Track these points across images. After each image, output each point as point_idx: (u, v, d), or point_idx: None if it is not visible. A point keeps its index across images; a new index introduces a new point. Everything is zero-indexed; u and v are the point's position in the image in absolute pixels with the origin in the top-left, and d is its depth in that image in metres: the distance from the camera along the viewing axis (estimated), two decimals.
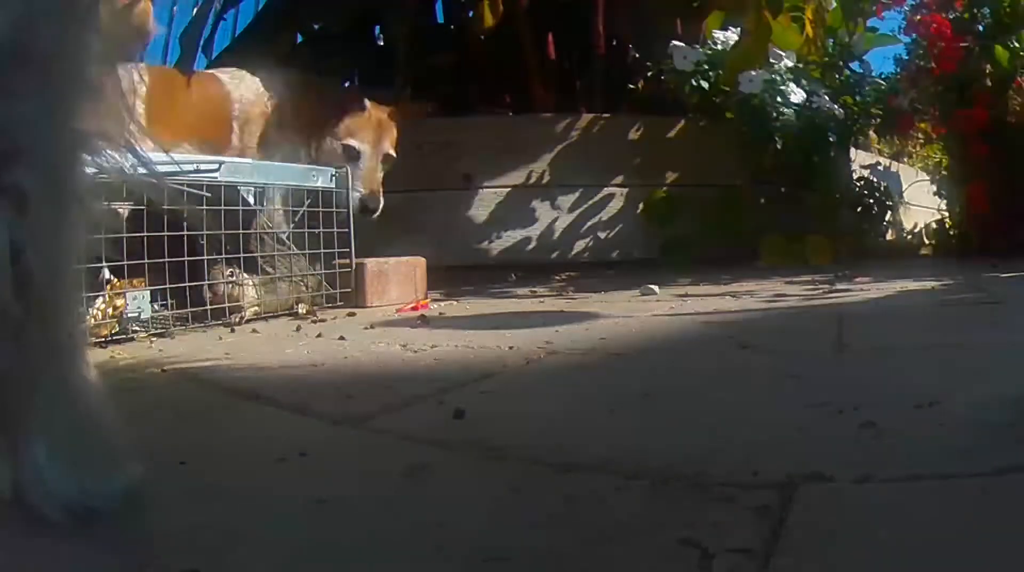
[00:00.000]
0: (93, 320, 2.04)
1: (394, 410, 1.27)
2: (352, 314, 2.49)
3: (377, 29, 5.18)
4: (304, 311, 2.50)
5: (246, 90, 2.87)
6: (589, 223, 4.13)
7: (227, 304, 2.37)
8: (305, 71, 4.74)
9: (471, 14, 4.48)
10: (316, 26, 5.17)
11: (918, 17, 3.58)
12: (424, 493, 0.89)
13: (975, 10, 3.47)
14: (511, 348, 1.74)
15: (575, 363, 1.64)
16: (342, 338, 1.98)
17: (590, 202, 4.12)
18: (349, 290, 2.69)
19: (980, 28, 3.48)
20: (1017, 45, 3.22)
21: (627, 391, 1.34)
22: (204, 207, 2.30)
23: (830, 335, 1.87)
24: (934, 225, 4.76)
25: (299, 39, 5.15)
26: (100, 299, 2.07)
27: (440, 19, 5.40)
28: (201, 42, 5.09)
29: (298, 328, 2.20)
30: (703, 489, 0.82)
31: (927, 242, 4.74)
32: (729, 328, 2.00)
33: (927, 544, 0.68)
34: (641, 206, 4.11)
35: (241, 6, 5.50)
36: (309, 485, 0.92)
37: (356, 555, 0.72)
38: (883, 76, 4.48)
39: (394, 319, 2.29)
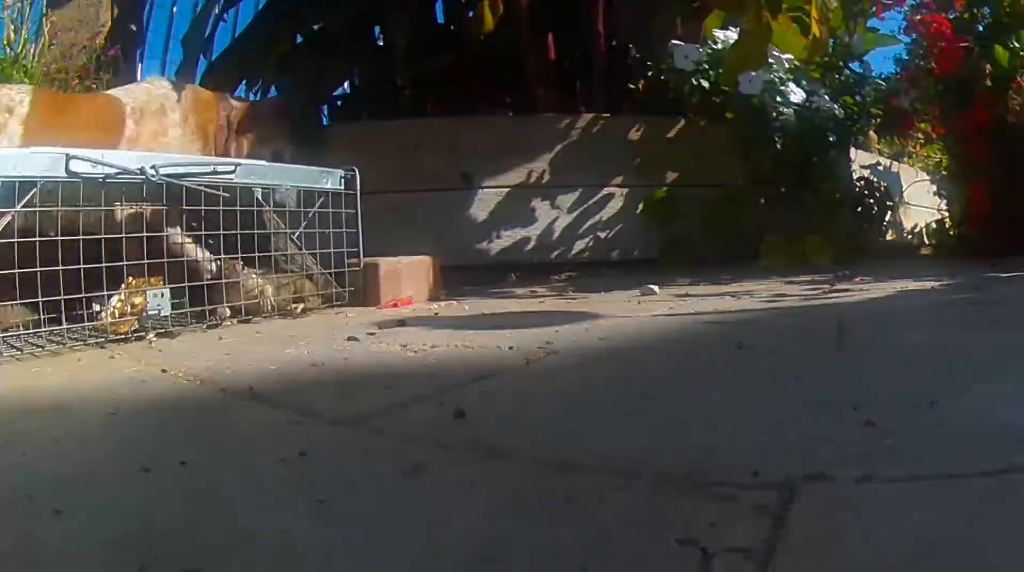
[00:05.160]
0: (111, 317, 2.10)
1: (394, 410, 1.27)
2: (347, 314, 2.51)
3: (377, 29, 5.19)
4: (300, 310, 2.52)
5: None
6: (589, 223, 4.13)
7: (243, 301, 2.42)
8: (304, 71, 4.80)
9: (471, 15, 4.48)
10: (316, 26, 5.17)
11: (918, 17, 3.58)
12: (424, 493, 0.89)
13: (975, 10, 3.47)
14: (511, 348, 1.74)
15: (575, 363, 1.64)
16: (346, 338, 1.97)
17: (590, 202, 4.13)
18: (354, 289, 2.71)
19: (980, 28, 3.48)
20: (1017, 45, 3.21)
21: (627, 391, 1.34)
22: (221, 208, 2.36)
23: (830, 335, 1.87)
24: (934, 225, 4.76)
25: (299, 39, 5.16)
26: (116, 297, 2.13)
27: (440, 19, 5.41)
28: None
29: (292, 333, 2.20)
30: (703, 489, 0.83)
31: (927, 242, 4.75)
32: (729, 328, 2.00)
33: (927, 544, 0.68)
34: (641, 206, 4.12)
35: (240, 6, 5.54)
36: (309, 485, 0.92)
37: (357, 554, 0.73)
38: (883, 76, 4.49)
39: (395, 319, 2.28)
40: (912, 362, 1.50)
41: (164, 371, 1.63)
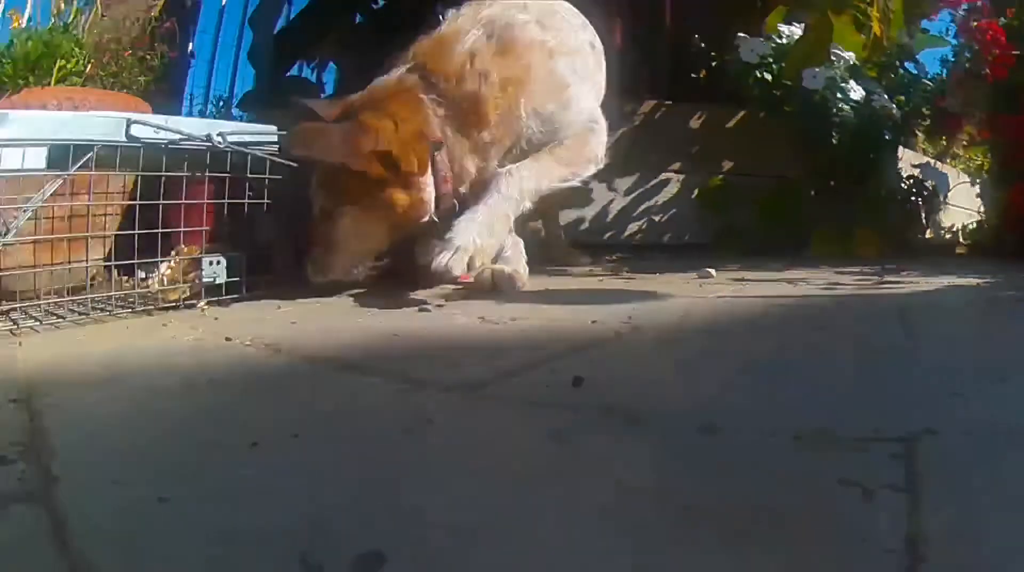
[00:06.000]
0: (159, 284, 2.09)
1: (506, 378, 1.27)
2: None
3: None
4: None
5: None
6: (644, 206, 4.21)
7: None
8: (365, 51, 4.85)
9: None
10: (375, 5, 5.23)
11: (974, 23, 3.62)
12: (579, 455, 0.93)
13: None
14: (594, 322, 1.75)
15: (666, 338, 1.68)
16: (417, 310, 1.98)
17: (647, 186, 4.21)
18: None
19: None
20: None
21: (729, 363, 1.42)
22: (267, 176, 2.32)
23: (895, 320, 1.94)
24: (973, 225, 4.81)
25: (358, 19, 5.23)
26: (165, 264, 2.11)
27: None
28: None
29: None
30: (839, 443, 0.95)
31: (963, 241, 4.78)
32: (799, 310, 2.07)
33: None
34: (696, 192, 4.19)
35: None
36: (452, 452, 0.95)
37: (548, 518, 0.76)
38: (928, 77, 4.54)
39: (459, 291, 2.28)
40: (976, 345, 1.62)
41: (228, 339, 1.59)
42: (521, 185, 2.28)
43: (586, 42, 2.79)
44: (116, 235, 2.15)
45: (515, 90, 2.37)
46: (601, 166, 2.64)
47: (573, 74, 2.58)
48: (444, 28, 2.46)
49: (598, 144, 2.61)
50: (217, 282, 2.16)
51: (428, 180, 2.26)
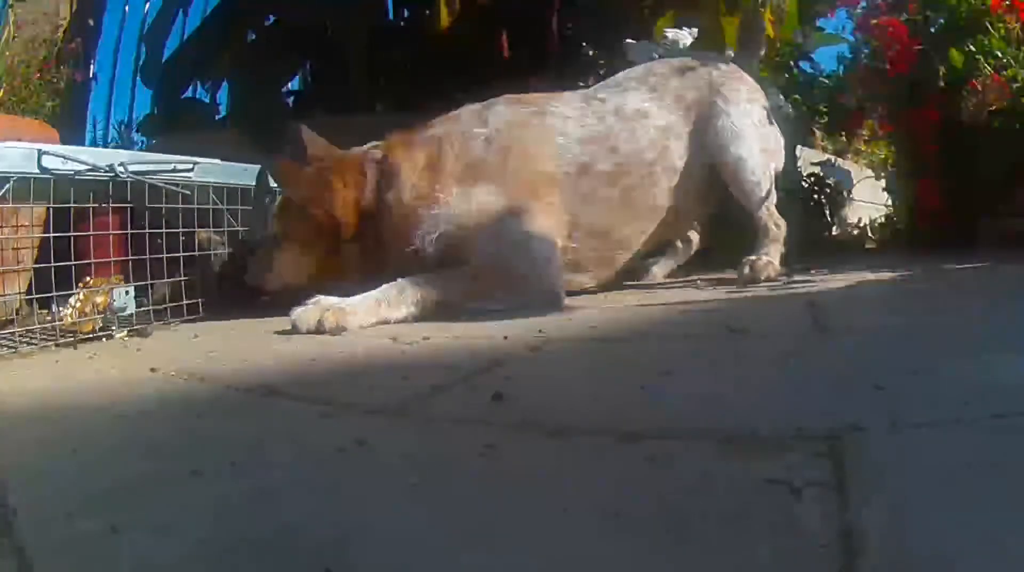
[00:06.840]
0: (70, 318, 2.09)
1: (425, 398, 1.26)
2: None
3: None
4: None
5: None
6: None
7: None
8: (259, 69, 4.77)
9: (428, 12, 4.51)
10: (268, 22, 5.17)
11: (874, 21, 3.66)
12: (510, 471, 0.92)
13: (927, 13, 3.57)
14: (506, 338, 1.74)
15: (579, 350, 1.67)
16: (329, 333, 1.95)
17: None
18: None
19: (932, 31, 3.58)
20: (972, 49, 3.32)
21: (646, 371, 1.39)
22: (180, 206, 2.38)
23: (807, 319, 1.93)
24: (881, 219, 4.86)
25: (252, 36, 5.16)
26: (74, 296, 2.11)
27: (391, 16, 5.42)
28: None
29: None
30: (762, 443, 0.94)
31: (872, 236, 4.84)
32: (711, 315, 2.06)
33: (952, 469, 0.83)
34: None
35: (191, 7, 5.53)
36: (389, 470, 0.94)
37: (462, 535, 0.76)
38: (824, 74, 4.59)
39: None
40: (892, 340, 1.61)
41: (154, 370, 1.60)
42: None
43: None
44: (34, 268, 2.15)
45: (423, 210, 2.35)
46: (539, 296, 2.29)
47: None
48: (429, 129, 2.54)
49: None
50: (128, 313, 2.17)
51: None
